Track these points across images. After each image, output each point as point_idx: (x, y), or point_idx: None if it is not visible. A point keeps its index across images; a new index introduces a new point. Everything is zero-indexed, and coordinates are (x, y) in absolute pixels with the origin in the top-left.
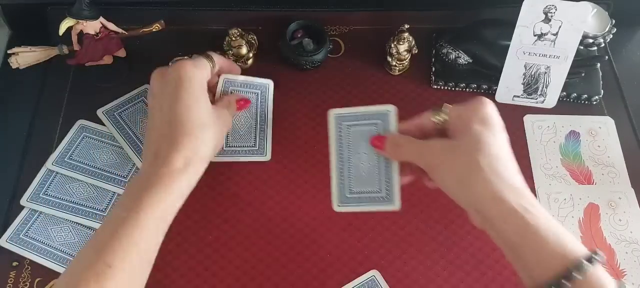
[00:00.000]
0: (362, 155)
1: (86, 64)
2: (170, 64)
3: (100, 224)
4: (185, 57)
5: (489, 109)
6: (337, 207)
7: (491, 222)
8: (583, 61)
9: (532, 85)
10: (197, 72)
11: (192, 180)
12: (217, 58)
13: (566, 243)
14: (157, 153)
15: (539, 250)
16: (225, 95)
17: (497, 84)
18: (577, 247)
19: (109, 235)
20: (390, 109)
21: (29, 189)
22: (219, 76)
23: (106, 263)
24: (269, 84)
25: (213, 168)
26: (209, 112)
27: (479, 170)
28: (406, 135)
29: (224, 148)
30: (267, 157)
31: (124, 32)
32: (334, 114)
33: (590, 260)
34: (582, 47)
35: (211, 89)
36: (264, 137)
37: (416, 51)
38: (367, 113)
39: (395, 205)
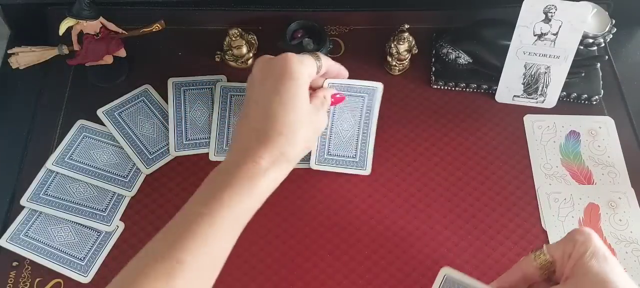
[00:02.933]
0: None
1: (86, 64)
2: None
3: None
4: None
5: (598, 241)
6: (314, 165)
7: None
8: (583, 61)
9: (532, 85)
10: (302, 69)
11: (276, 183)
12: (325, 60)
13: None
14: (246, 147)
15: None
16: (320, 89)
17: (497, 84)
18: None
19: (183, 229)
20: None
21: (29, 189)
22: (324, 79)
23: (177, 260)
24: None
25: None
26: (306, 112)
27: None
28: None
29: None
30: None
31: (124, 32)
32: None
33: None
34: (582, 47)
35: (313, 89)
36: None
37: (416, 51)
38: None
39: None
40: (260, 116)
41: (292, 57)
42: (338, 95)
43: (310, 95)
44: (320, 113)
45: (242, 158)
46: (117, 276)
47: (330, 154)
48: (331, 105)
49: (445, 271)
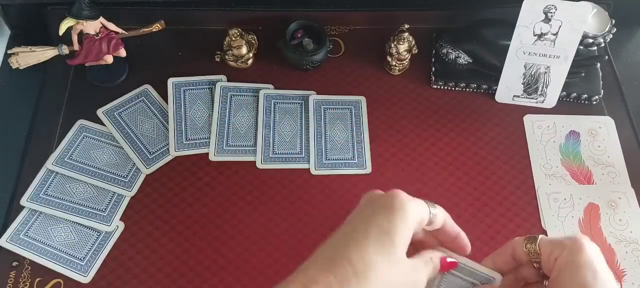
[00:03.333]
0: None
1: (86, 64)
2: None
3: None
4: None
5: (591, 250)
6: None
7: None
8: (583, 61)
9: (532, 85)
10: (413, 207)
11: None
12: (442, 213)
13: None
14: (307, 271)
15: None
16: (428, 251)
17: (497, 84)
18: None
19: None
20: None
21: (29, 189)
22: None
23: None
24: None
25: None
26: (400, 262)
27: None
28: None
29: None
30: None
31: (124, 32)
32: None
33: None
34: (582, 47)
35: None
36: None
37: (416, 51)
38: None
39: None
40: (341, 245)
41: (402, 193)
42: (449, 260)
43: (410, 252)
44: (418, 274)
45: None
46: None
47: (329, 159)
48: (440, 271)
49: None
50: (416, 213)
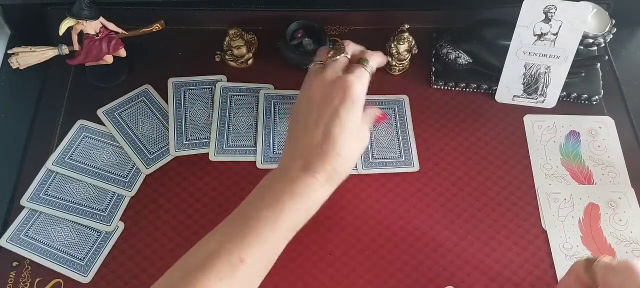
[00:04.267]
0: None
1: (86, 64)
2: (330, 55)
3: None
4: (343, 56)
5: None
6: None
7: None
8: (583, 61)
9: (532, 85)
10: (362, 90)
11: (326, 196)
12: (373, 57)
13: None
14: (308, 163)
15: None
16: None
17: (497, 84)
18: None
19: (246, 230)
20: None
21: (29, 189)
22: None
23: (240, 258)
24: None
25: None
26: (359, 132)
27: None
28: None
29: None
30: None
31: (124, 32)
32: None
33: None
34: (582, 47)
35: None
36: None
37: (416, 51)
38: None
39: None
40: (320, 135)
41: (354, 80)
42: (381, 116)
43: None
44: (367, 130)
45: (303, 171)
46: (166, 274)
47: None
48: (375, 122)
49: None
50: (364, 92)
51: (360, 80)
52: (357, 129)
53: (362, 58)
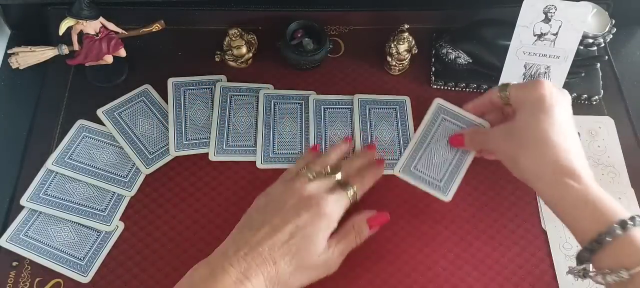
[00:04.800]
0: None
1: (86, 64)
2: (321, 169)
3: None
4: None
5: (542, 90)
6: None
7: (539, 193)
8: (583, 61)
9: None
10: (337, 216)
11: None
12: (365, 181)
13: (606, 208)
14: (247, 267)
15: (580, 218)
16: (356, 219)
17: (497, 84)
18: (618, 211)
19: None
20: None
21: (29, 189)
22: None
23: None
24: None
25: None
26: (321, 257)
27: (524, 151)
28: (479, 117)
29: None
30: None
31: (124, 32)
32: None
33: (630, 220)
34: (582, 47)
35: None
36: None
37: (416, 51)
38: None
39: (447, 197)
40: (279, 241)
41: (329, 200)
42: (379, 218)
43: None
44: (336, 256)
45: (239, 268)
46: None
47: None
48: (371, 228)
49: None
50: (339, 215)
51: (338, 205)
52: (321, 255)
53: (352, 183)
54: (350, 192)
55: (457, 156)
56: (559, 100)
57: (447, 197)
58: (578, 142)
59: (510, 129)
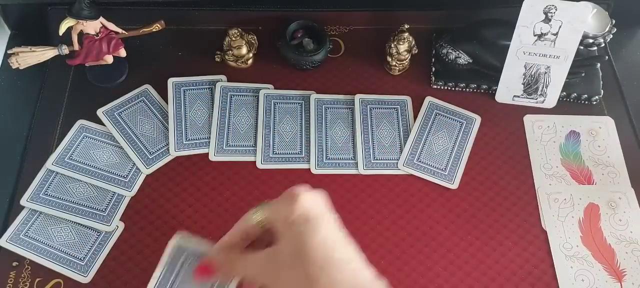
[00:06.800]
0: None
1: (86, 64)
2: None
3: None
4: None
5: (304, 200)
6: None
7: None
8: (583, 61)
9: (532, 85)
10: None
11: None
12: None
13: None
14: None
15: None
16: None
17: (497, 84)
18: None
19: None
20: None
21: (29, 189)
22: None
23: None
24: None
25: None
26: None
27: (314, 282)
28: (226, 249)
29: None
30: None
31: (124, 32)
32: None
33: None
34: (582, 47)
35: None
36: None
37: (416, 51)
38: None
39: (454, 185)
40: None
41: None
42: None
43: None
44: None
45: None
46: None
47: (329, 158)
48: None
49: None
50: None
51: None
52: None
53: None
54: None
55: (458, 139)
56: (322, 212)
57: (454, 185)
58: (359, 256)
59: (278, 254)
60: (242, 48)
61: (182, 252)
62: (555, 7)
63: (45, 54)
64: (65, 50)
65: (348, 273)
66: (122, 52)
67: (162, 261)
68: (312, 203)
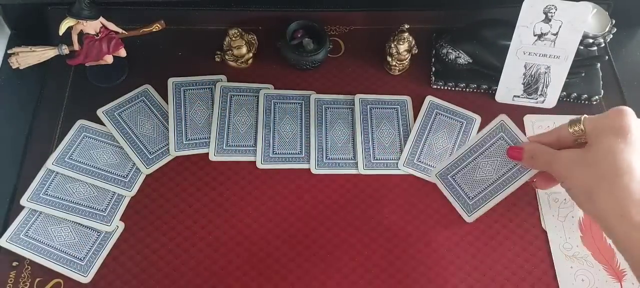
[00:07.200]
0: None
1: (86, 64)
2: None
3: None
4: None
5: (627, 119)
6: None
7: (615, 238)
8: (583, 61)
9: (532, 85)
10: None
11: None
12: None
13: None
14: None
15: None
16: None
17: (497, 84)
18: None
19: None
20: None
21: (29, 189)
22: None
23: None
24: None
25: None
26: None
27: (604, 183)
28: (543, 144)
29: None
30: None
31: (124, 32)
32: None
33: None
34: (582, 47)
35: None
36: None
37: (416, 51)
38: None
39: (470, 218)
40: None
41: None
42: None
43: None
44: None
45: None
46: None
47: (329, 158)
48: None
49: (502, 117)
50: None
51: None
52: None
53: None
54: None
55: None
56: (636, 129)
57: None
58: None
59: (586, 156)
60: (242, 48)
61: (503, 130)
62: (555, 7)
63: (45, 54)
64: (65, 50)
65: (630, 192)
66: (122, 52)
67: (485, 130)
68: (637, 127)
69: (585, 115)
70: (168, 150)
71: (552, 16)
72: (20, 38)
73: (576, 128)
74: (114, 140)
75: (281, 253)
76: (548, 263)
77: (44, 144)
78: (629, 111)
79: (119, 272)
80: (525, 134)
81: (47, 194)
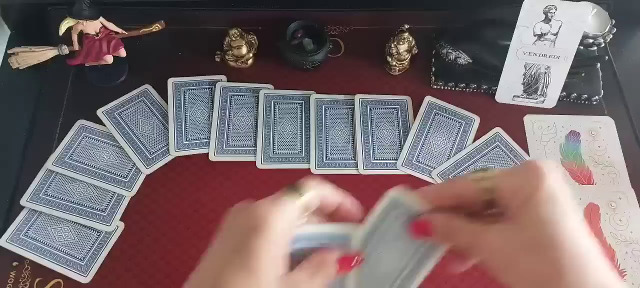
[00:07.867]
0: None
1: (86, 64)
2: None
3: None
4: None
5: (552, 180)
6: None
7: None
8: (583, 61)
9: (532, 85)
10: (275, 220)
11: None
12: (315, 193)
13: None
14: None
15: None
16: (315, 252)
17: (497, 84)
18: None
19: None
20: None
21: (29, 189)
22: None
23: None
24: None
25: None
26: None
27: (561, 275)
28: (446, 213)
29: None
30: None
31: (124, 32)
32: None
33: None
34: (582, 47)
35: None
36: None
37: (416, 51)
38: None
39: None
40: (207, 273)
41: (261, 205)
42: (348, 260)
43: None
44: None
45: None
46: None
47: (329, 158)
48: (344, 271)
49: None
50: (281, 223)
51: (275, 204)
52: (271, 281)
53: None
54: (302, 197)
55: (456, 143)
56: (571, 197)
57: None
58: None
59: (522, 238)
60: (242, 48)
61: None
62: (555, 7)
63: (45, 54)
64: (65, 50)
65: (596, 271)
66: (122, 52)
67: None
68: (561, 185)
69: (491, 170)
70: (168, 150)
71: (552, 16)
72: (20, 38)
73: (485, 185)
74: (114, 140)
75: None
76: None
77: (44, 144)
78: (551, 168)
79: (119, 272)
80: (524, 134)
81: (47, 194)
